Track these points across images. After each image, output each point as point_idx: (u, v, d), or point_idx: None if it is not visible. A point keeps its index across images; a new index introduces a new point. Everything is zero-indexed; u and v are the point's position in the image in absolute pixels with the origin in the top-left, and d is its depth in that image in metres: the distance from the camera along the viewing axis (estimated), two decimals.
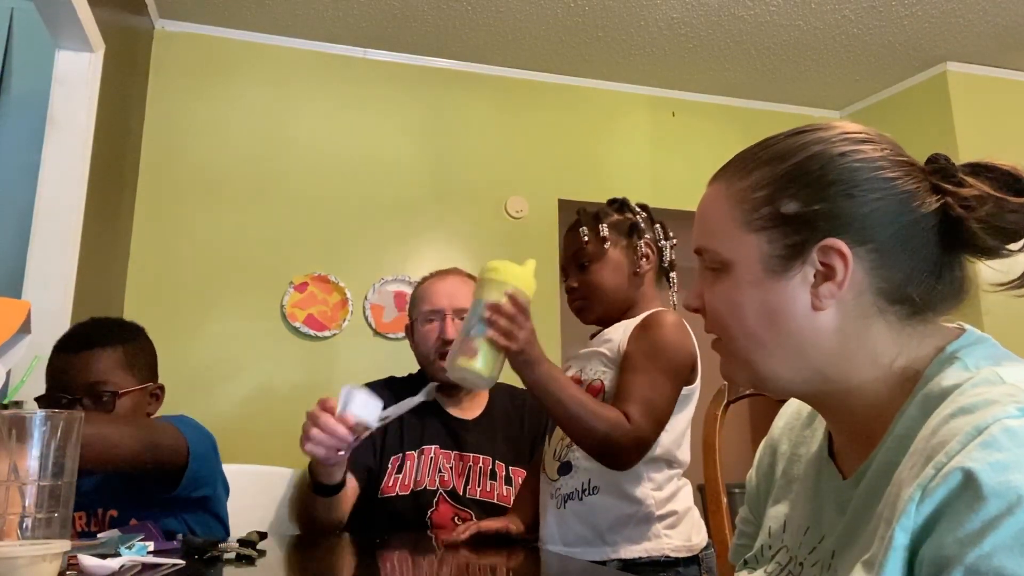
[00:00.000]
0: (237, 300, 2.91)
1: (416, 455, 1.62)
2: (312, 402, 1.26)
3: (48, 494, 0.80)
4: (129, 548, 0.96)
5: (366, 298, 3.02)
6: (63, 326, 2.08)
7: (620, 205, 1.43)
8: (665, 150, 3.54)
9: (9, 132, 2.43)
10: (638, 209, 1.42)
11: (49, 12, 2.03)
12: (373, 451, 1.61)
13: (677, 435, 1.32)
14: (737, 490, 4.92)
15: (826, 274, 0.66)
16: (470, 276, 1.73)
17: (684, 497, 1.33)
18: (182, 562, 0.92)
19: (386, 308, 3.03)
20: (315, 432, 1.22)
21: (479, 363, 1.15)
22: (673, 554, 1.27)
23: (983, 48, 3.17)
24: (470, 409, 1.70)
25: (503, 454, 1.66)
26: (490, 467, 1.63)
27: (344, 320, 2.97)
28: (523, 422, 1.72)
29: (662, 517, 1.28)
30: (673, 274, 1.41)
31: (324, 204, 3.07)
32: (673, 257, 1.42)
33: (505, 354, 1.17)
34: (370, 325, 3.00)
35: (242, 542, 1.09)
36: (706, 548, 1.32)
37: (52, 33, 2.14)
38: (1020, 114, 3.33)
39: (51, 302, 2.07)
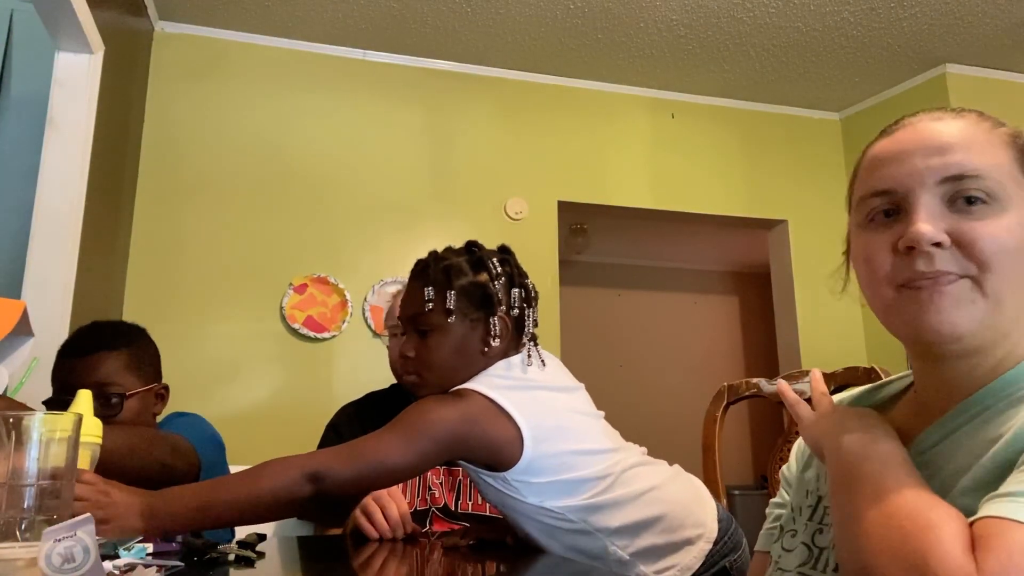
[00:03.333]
0: (237, 301, 2.91)
1: None
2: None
3: (47, 495, 0.80)
4: (128, 550, 0.96)
5: (365, 300, 3.02)
6: (63, 327, 2.08)
7: (477, 260, 1.20)
8: (664, 152, 3.54)
9: (9, 133, 2.43)
10: (496, 267, 1.20)
11: (49, 14, 2.03)
12: None
13: (576, 488, 1.14)
14: (736, 491, 4.94)
15: None
16: None
17: (654, 520, 1.16)
18: (181, 564, 0.92)
19: (385, 310, 3.03)
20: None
21: None
22: None
23: (983, 50, 3.18)
24: None
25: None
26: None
27: (343, 322, 2.97)
28: None
29: (640, 556, 1.15)
30: (529, 343, 1.21)
31: (324, 206, 3.07)
32: (534, 319, 1.21)
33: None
34: (369, 327, 3.00)
35: (241, 544, 1.08)
36: (731, 550, 1.20)
37: (52, 35, 2.14)
38: (1020, 116, 3.33)
39: (50, 303, 2.07)
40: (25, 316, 1.07)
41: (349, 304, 2.98)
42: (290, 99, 3.12)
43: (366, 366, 2.89)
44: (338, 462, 1.06)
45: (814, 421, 0.77)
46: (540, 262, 3.22)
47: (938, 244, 0.66)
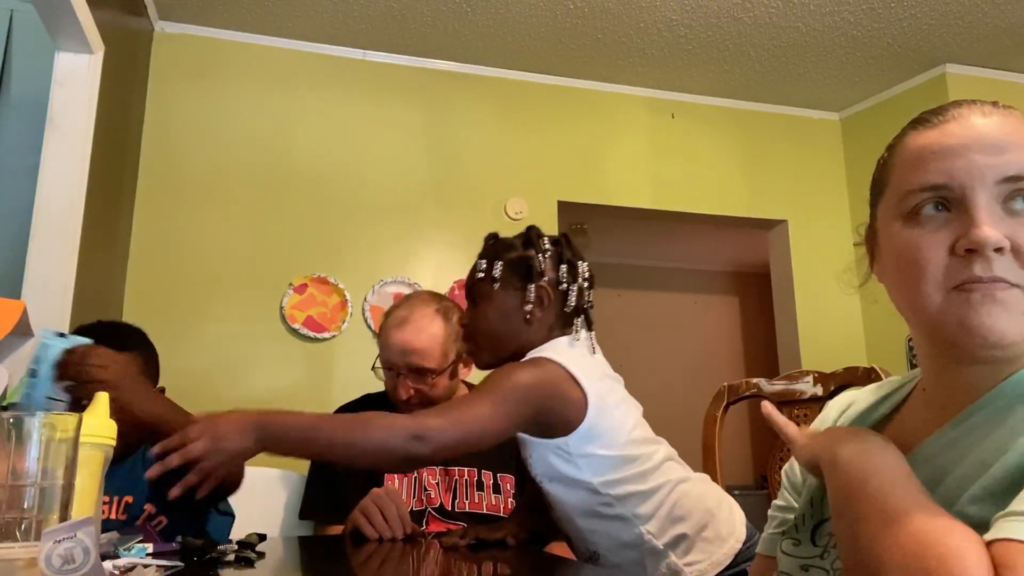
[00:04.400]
0: (236, 301, 2.91)
1: (400, 476, 1.60)
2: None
3: (47, 496, 0.80)
4: (128, 550, 0.96)
5: (365, 300, 3.02)
6: (63, 327, 2.08)
7: (527, 240, 1.30)
8: (664, 152, 3.54)
9: (9, 133, 2.43)
10: (547, 245, 1.28)
11: (49, 14, 2.03)
12: (370, 475, 1.61)
13: (615, 461, 1.22)
14: (736, 491, 4.93)
15: None
16: (439, 310, 1.61)
17: (690, 513, 1.23)
18: (181, 564, 0.92)
19: (385, 310, 3.03)
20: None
21: None
22: None
23: (982, 50, 3.18)
24: None
25: (489, 463, 1.63)
26: (476, 478, 1.62)
27: (343, 322, 2.97)
28: None
29: (672, 545, 1.20)
30: (579, 319, 1.28)
31: (324, 206, 3.07)
32: (588, 301, 1.29)
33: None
34: (369, 327, 3.00)
35: (241, 544, 1.08)
36: (750, 557, 1.21)
37: (52, 35, 2.14)
38: None
39: (50, 303, 2.07)
40: (25, 316, 1.07)
41: (349, 304, 2.98)
42: (290, 99, 3.12)
43: (366, 366, 2.87)
44: (442, 426, 1.10)
45: (806, 442, 0.75)
46: None
47: (999, 250, 0.64)
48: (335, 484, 1.62)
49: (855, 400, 0.85)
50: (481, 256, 1.30)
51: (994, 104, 0.70)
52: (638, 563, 1.21)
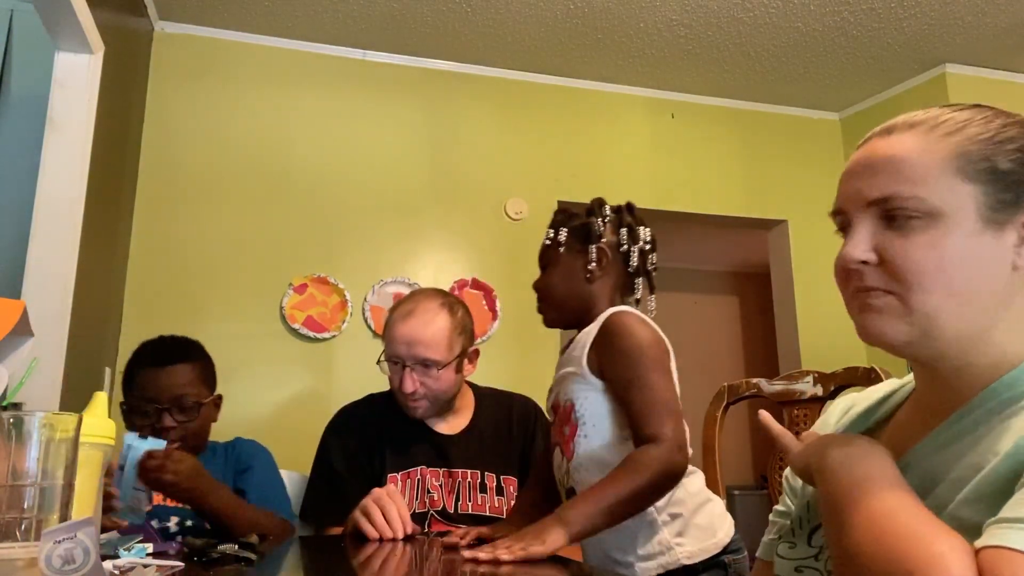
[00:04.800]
0: (236, 301, 2.91)
1: (402, 478, 1.60)
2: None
3: (47, 496, 0.80)
4: (128, 550, 0.96)
5: (365, 300, 3.02)
6: (63, 327, 2.08)
7: (590, 208, 1.38)
8: (664, 152, 3.54)
9: (8, 134, 2.43)
10: (609, 212, 1.36)
11: (48, 14, 2.03)
12: (372, 476, 1.62)
13: None
14: (736, 492, 4.94)
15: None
16: (444, 304, 1.63)
17: (688, 497, 1.27)
18: (181, 564, 0.92)
19: (385, 310, 3.03)
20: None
21: None
22: (688, 561, 1.22)
23: (982, 50, 3.18)
24: (455, 423, 1.68)
25: (492, 464, 1.64)
26: (479, 480, 1.62)
27: (343, 322, 2.97)
28: (511, 428, 1.70)
29: (667, 523, 1.24)
30: (639, 280, 1.35)
31: (324, 206, 3.07)
32: (652, 263, 1.37)
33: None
34: (369, 327, 3.00)
35: (241, 544, 1.08)
36: (734, 550, 1.26)
37: (51, 35, 2.14)
38: None
39: (51, 303, 2.07)
40: (25, 316, 1.07)
41: (349, 304, 2.98)
42: (290, 99, 3.12)
43: (366, 366, 2.87)
44: (668, 422, 1.17)
45: (800, 450, 0.76)
46: None
47: (866, 262, 0.71)
48: (336, 484, 1.63)
49: (855, 403, 0.86)
50: (550, 226, 1.40)
51: (911, 118, 0.73)
52: (630, 536, 1.22)
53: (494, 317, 3.12)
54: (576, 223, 1.37)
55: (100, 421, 1.06)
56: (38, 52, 2.38)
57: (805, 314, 3.52)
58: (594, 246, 1.33)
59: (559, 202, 3.32)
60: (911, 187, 0.69)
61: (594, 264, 1.32)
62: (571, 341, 1.36)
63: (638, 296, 1.35)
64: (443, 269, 3.13)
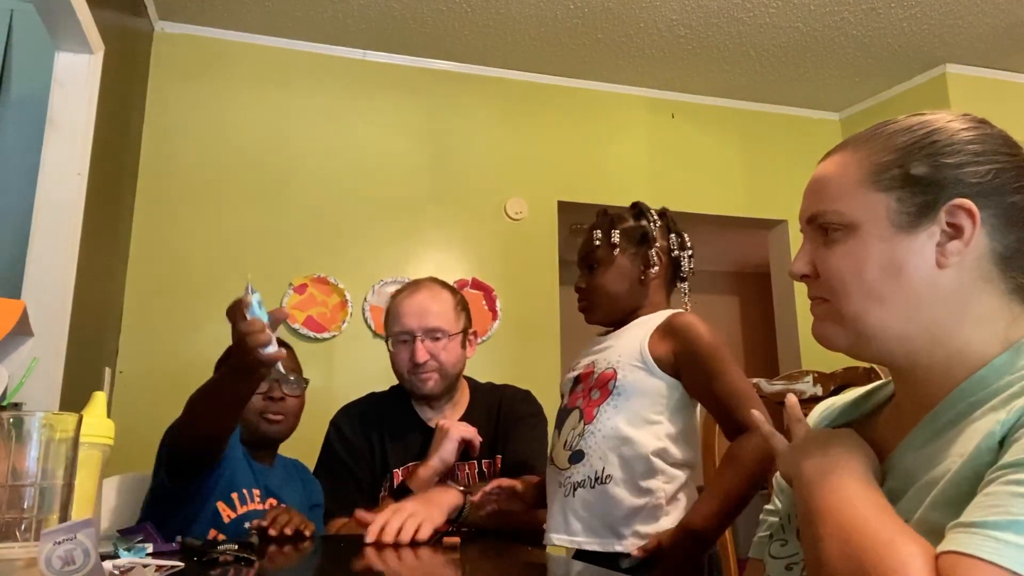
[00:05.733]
0: None
1: (404, 473, 1.61)
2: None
3: (47, 496, 0.80)
4: (128, 550, 0.96)
5: (365, 300, 3.02)
6: (63, 327, 2.08)
7: (638, 211, 1.44)
8: (664, 152, 3.54)
9: (9, 133, 2.43)
10: (655, 216, 1.42)
11: (48, 14, 2.03)
12: (372, 473, 1.62)
13: (690, 432, 1.33)
14: None
15: (952, 234, 0.70)
16: (444, 285, 1.71)
17: (689, 494, 1.32)
18: (181, 564, 0.92)
19: (387, 312, 3.03)
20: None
21: None
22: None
23: (982, 50, 3.18)
24: (451, 415, 1.69)
25: (485, 453, 1.65)
26: (476, 470, 1.63)
27: (343, 322, 2.97)
28: (499, 413, 1.70)
29: (669, 511, 1.27)
30: (684, 284, 1.43)
31: (324, 206, 3.07)
32: (691, 267, 1.43)
33: None
34: (369, 327, 3.00)
35: (241, 543, 1.08)
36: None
37: (51, 35, 2.14)
38: (1019, 116, 3.33)
39: (51, 303, 2.07)
40: (25, 316, 1.07)
41: (349, 304, 2.98)
42: (290, 99, 3.12)
43: (366, 366, 2.89)
44: (758, 408, 1.19)
45: (787, 452, 0.78)
46: (540, 262, 3.22)
47: (807, 275, 0.77)
48: (342, 477, 1.63)
49: (833, 403, 0.88)
50: (595, 227, 1.43)
51: (846, 142, 0.78)
52: (624, 519, 1.25)
53: (494, 317, 3.12)
54: (628, 225, 1.41)
55: (100, 421, 1.06)
56: (38, 52, 2.38)
57: (805, 314, 3.50)
58: (652, 250, 1.39)
59: (559, 202, 3.32)
60: (832, 203, 0.74)
61: (654, 267, 1.38)
62: (608, 331, 1.42)
63: (686, 300, 1.42)
64: (443, 269, 3.12)
